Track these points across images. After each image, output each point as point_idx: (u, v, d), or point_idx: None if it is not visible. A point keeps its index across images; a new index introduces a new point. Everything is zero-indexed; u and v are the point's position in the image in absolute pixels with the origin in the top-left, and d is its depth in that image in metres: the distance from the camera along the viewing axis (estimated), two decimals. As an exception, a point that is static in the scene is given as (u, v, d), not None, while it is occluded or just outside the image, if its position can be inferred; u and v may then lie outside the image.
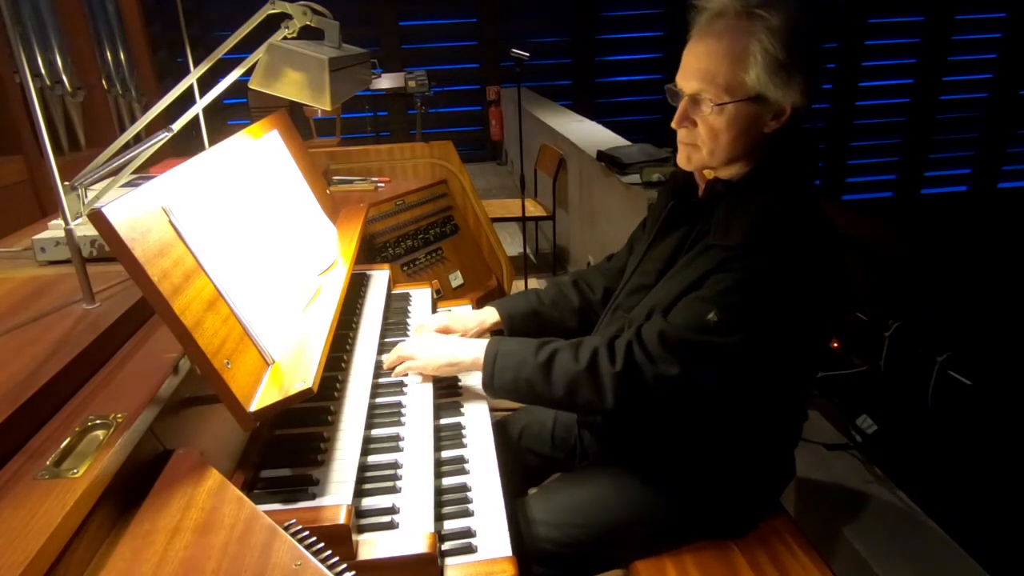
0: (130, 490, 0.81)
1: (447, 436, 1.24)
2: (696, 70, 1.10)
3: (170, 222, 0.95)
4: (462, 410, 1.32)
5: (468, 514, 1.05)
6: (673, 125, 1.16)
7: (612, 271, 1.52)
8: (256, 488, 1.00)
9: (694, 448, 1.24)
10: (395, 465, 1.09)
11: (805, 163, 1.18)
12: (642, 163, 3.12)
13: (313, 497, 0.96)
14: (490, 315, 1.51)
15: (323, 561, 0.75)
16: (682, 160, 1.20)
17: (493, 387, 1.23)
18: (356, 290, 1.70)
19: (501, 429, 1.52)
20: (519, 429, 1.52)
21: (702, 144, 1.14)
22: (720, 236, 1.12)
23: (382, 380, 1.36)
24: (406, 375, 1.35)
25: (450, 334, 1.47)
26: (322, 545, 0.79)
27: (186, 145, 2.33)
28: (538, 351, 1.19)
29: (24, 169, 3.13)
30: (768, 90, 1.07)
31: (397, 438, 1.17)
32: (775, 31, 1.04)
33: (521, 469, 1.47)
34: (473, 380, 1.38)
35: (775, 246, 1.08)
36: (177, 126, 1.33)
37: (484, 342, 1.26)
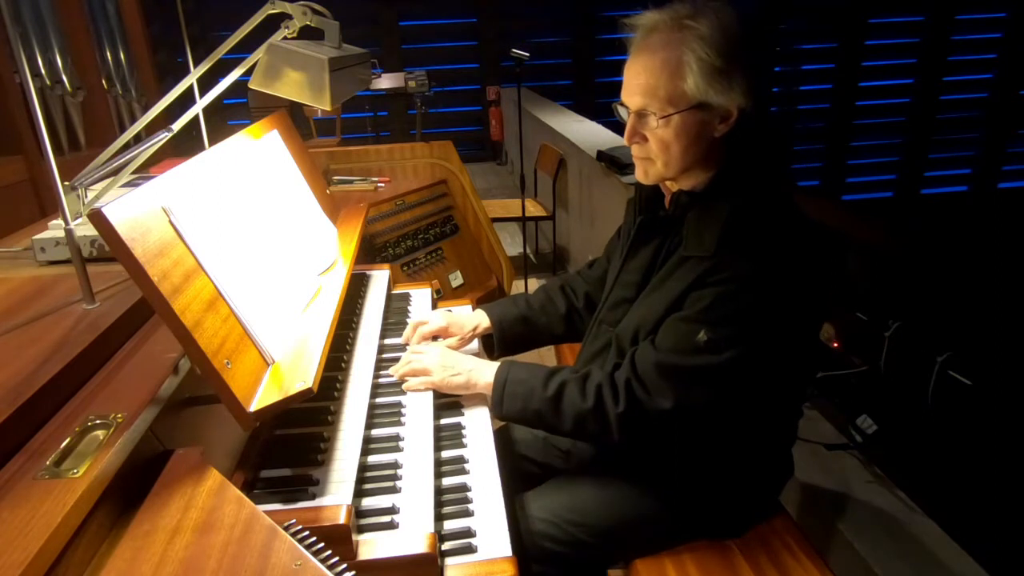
0: (130, 490, 0.81)
1: (447, 436, 1.24)
2: (637, 86, 1.12)
3: (170, 222, 0.95)
4: (462, 410, 1.32)
5: (468, 514, 1.05)
6: (625, 142, 1.18)
7: (593, 279, 1.54)
8: (256, 488, 1.00)
9: (692, 448, 1.24)
10: (395, 465, 1.09)
11: (770, 162, 1.18)
12: (642, 163, 3.11)
13: (313, 497, 0.96)
14: (483, 319, 1.53)
15: (323, 561, 0.75)
16: (640, 175, 1.21)
17: (501, 412, 1.24)
18: (356, 290, 1.70)
19: (498, 434, 1.52)
20: (515, 434, 1.52)
21: (655, 157, 1.15)
22: (694, 247, 1.13)
23: (382, 380, 1.36)
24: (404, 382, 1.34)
25: (448, 336, 1.49)
26: (322, 545, 0.79)
27: (186, 145, 2.34)
28: (547, 383, 1.20)
29: (24, 169, 3.13)
30: (709, 96, 1.08)
31: (397, 438, 1.17)
32: (706, 39, 1.06)
33: (518, 474, 1.46)
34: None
35: (751, 249, 1.08)
36: (177, 126, 1.33)
37: (496, 366, 1.28)
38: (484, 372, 1.29)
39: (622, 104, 1.16)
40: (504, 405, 1.23)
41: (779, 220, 1.12)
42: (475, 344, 1.54)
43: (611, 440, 1.17)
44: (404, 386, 1.32)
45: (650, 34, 1.11)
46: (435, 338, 1.50)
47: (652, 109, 1.11)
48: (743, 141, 1.14)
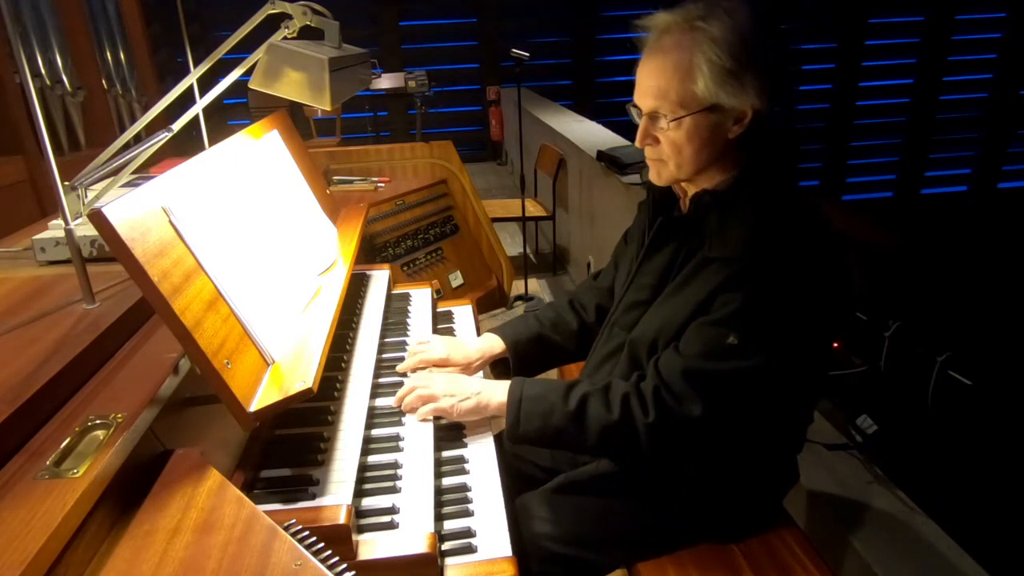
0: (130, 490, 0.81)
1: (447, 436, 1.24)
2: (648, 88, 1.11)
3: (170, 222, 0.95)
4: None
5: (468, 514, 1.04)
6: (637, 144, 1.17)
7: (601, 290, 1.51)
8: (256, 488, 1.00)
9: (705, 455, 1.22)
10: (395, 465, 1.09)
11: (787, 163, 1.18)
12: (642, 163, 3.10)
13: (313, 497, 0.96)
14: (494, 343, 1.46)
15: (323, 561, 0.75)
16: (653, 176, 1.21)
17: (517, 433, 1.17)
18: (356, 290, 1.70)
19: (498, 434, 1.51)
20: None
21: (667, 159, 1.14)
22: (718, 247, 1.12)
23: (382, 380, 1.36)
24: (411, 413, 1.25)
25: (451, 366, 1.41)
26: (322, 545, 0.79)
27: (186, 145, 2.34)
28: (567, 397, 1.15)
29: (24, 169, 3.13)
30: (720, 98, 1.07)
31: (397, 438, 1.17)
32: (718, 41, 1.04)
33: (520, 474, 1.45)
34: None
35: (781, 252, 1.07)
36: (177, 126, 1.34)
37: (506, 385, 1.22)
38: (495, 393, 1.22)
39: (634, 105, 1.16)
40: (521, 425, 1.16)
41: (804, 221, 1.11)
42: (480, 373, 1.45)
43: (639, 454, 1.13)
44: (416, 417, 1.22)
45: (662, 35, 1.10)
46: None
47: (663, 111, 1.10)
48: (762, 141, 1.13)
